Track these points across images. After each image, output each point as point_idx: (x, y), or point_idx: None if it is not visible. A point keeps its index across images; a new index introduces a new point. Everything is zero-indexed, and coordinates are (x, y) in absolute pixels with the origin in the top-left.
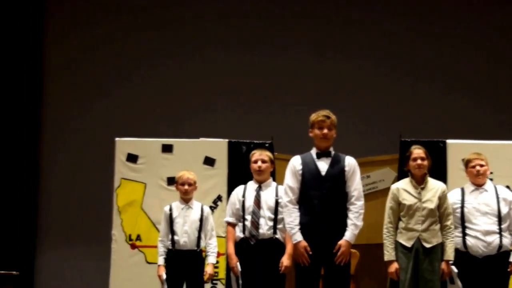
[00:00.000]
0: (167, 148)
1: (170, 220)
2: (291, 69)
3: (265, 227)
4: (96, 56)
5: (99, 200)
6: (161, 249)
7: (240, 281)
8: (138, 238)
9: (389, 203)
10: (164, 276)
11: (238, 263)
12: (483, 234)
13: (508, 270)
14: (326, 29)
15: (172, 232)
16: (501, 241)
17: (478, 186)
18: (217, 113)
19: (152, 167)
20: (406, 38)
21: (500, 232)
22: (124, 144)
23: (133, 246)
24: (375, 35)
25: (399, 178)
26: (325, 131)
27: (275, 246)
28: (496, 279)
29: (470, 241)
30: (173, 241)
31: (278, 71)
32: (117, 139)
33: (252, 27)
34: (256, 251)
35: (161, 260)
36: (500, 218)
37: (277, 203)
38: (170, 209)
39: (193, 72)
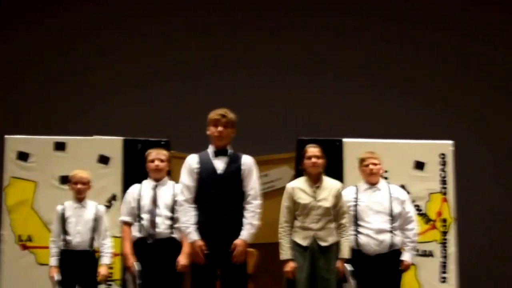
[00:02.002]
0: (59, 146)
1: (63, 220)
2: (189, 66)
3: (162, 226)
4: None
5: None
6: (54, 250)
7: (139, 281)
8: (29, 238)
9: (284, 202)
10: (57, 278)
11: (135, 263)
12: (375, 232)
13: (400, 268)
14: (223, 28)
15: (65, 232)
16: (392, 239)
17: (372, 184)
18: (112, 110)
19: (44, 165)
20: (302, 36)
21: (392, 231)
22: (14, 142)
23: (24, 247)
24: (273, 33)
25: (296, 177)
26: (220, 129)
27: (173, 245)
28: (388, 277)
29: (362, 239)
30: (66, 242)
31: (176, 67)
32: (6, 136)
33: (147, 21)
34: (153, 251)
35: (53, 261)
36: (392, 217)
37: (174, 202)
38: (63, 209)
39: (89, 68)
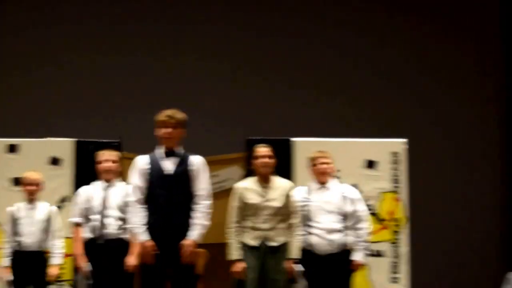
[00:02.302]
0: (12, 148)
1: (15, 221)
2: (138, 68)
3: (112, 226)
4: None
5: None
6: (6, 251)
7: (89, 282)
8: None
9: (234, 202)
10: (9, 278)
11: (86, 264)
12: (326, 232)
13: (351, 268)
14: (169, 29)
15: (17, 233)
16: (343, 239)
17: (323, 184)
18: (64, 112)
19: None
20: (251, 36)
21: (343, 231)
22: None
23: None
24: (219, 33)
25: (246, 177)
26: (168, 130)
27: (123, 246)
28: (339, 277)
29: (313, 239)
30: (18, 242)
31: (125, 70)
32: None
33: (101, 29)
34: (104, 251)
35: (5, 262)
36: (343, 216)
37: (124, 203)
38: (15, 210)
39: (40, 73)
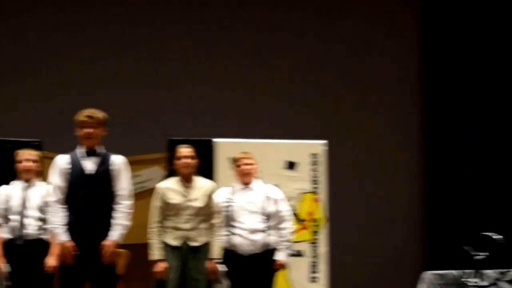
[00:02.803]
0: None
1: None
2: (59, 67)
3: (32, 227)
4: None
5: None
6: None
7: (7, 283)
8: None
9: (155, 202)
10: None
11: (4, 265)
12: (248, 232)
13: (273, 267)
14: (90, 22)
15: None
16: (266, 239)
17: (246, 184)
18: None
19: None
20: (177, 32)
21: (266, 231)
22: None
23: None
24: (143, 29)
25: (168, 177)
26: (87, 130)
27: (42, 246)
28: (262, 277)
29: (236, 239)
30: None
31: (45, 68)
32: None
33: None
34: (23, 252)
35: None
36: (266, 217)
37: (44, 203)
38: None
39: None
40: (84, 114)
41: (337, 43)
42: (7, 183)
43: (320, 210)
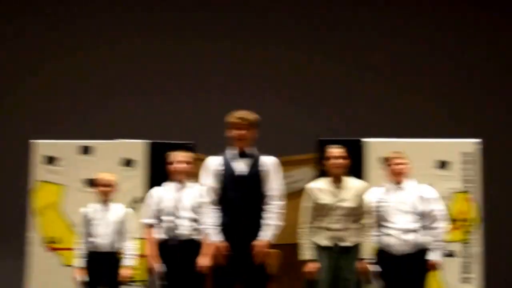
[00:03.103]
0: (85, 150)
1: (88, 222)
2: (212, 69)
3: (184, 227)
4: (7, 58)
5: (15, 203)
6: (79, 252)
7: (162, 283)
8: (56, 240)
9: (305, 202)
10: (82, 279)
11: (159, 265)
12: (401, 232)
13: (426, 268)
14: (249, 25)
15: (90, 234)
16: (419, 239)
17: (398, 184)
18: (138, 113)
19: (71, 169)
20: (322, 34)
21: (419, 231)
22: (40, 146)
23: (50, 249)
24: (288, 36)
25: (318, 177)
26: (239, 132)
27: (195, 247)
28: (415, 277)
29: (388, 239)
30: (90, 243)
31: (199, 71)
32: (32, 141)
33: (165, 27)
34: (176, 252)
35: (78, 262)
36: (418, 216)
37: (196, 204)
38: (88, 211)
39: (114, 72)
40: (235, 115)
41: (495, 38)
42: (161, 184)
43: (472, 210)
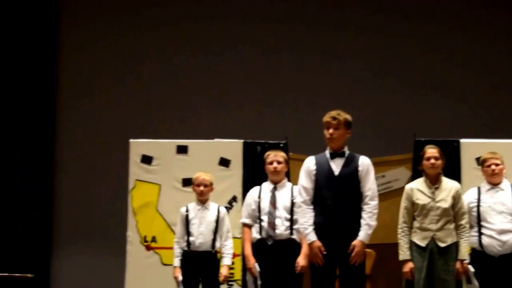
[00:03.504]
0: (182, 149)
1: (186, 221)
2: (305, 69)
3: (281, 227)
4: (108, 58)
5: (114, 202)
6: (177, 251)
7: (259, 282)
8: (154, 239)
9: (403, 203)
10: (180, 278)
11: (256, 264)
12: (498, 233)
13: None
14: (339, 31)
15: (188, 233)
16: None
17: (494, 185)
18: (232, 113)
19: (167, 168)
20: (417, 41)
21: None
22: (138, 146)
23: (149, 248)
24: (387, 38)
25: (413, 177)
26: (331, 131)
27: (292, 246)
28: None
29: (485, 240)
30: (188, 242)
31: (291, 70)
32: (131, 140)
33: (262, 27)
34: (273, 252)
35: (177, 262)
36: None
37: (292, 204)
38: (187, 210)
39: (207, 71)
40: (329, 115)
41: None
42: (257, 184)
43: None
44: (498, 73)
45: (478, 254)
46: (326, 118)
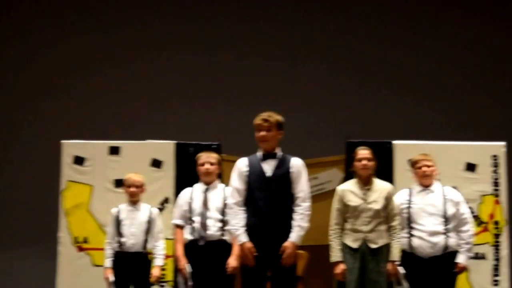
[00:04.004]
0: (114, 150)
1: (118, 222)
2: (240, 70)
3: (213, 228)
4: (42, 59)
5: (45, 203)
6: (109, 251)
7: (190, 283)
8: (85, 240)
9: (335, 204)
10: (112, 279)
11: (187, 265)
12: (428, 234)
13: (455, 270)
14: (275, 32)
15: (120, 234)
16: (446, 241)
17: (425, 187)
18: (164, 114)
19: (99, 169)
20: (353, 40)
21: (445, 233)
22: (70, 147)
23: (80, 249)
24: (322, 38)
25: (346, 179)
26: (263, 133)
27: (223, 247)
28: (443, 280)
29: (415, 241)
30: (120, 243)
31: (226, 72)
32: (63, 141)
33: (198, 28)
34: (204, 253)
35: (108, 263)
36: (446, 219)
37: (224, 205)
38: (118, 211)
39: (140, 73)
40: (260, 117)
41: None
42: (189, 185)
43: (501, 212)
44: (435, 73)
45: (408, 256)
46: (257, 120)
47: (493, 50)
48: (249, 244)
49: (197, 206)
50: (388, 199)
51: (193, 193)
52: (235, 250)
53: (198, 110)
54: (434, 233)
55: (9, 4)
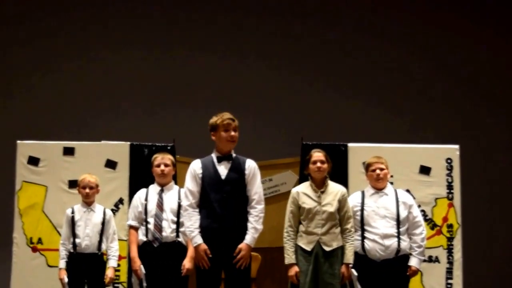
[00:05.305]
0: (68, 151)
1: (72, 223)
2: (193, 72)
3: (168, 230)
4: None
5: (0, 203)
6: (63, 252)
7: (145, 284)
8: (40, 241)
9: (289, 206)
10: (66, 280)
11: (141, 266)
12: (381, 237)
13: (407, 273)
14: (228, 33)
15: (74, 235)
16: (399, 244)
17: (378, 189)
18: (120, 115)
19: (54, 170)
20: (307, 43)
21: (398, 236)
22: (25, 147)
23: (34, 249)
24: (276, 39)
25: (300, 181)
26: (233, 133)
27: (178, 249)
28: (395, 283)
29: (368, 244)
30: (74, 244)
31: (180, 73)
32: (18, 142)
33: (154, 29)
34: (159, 254)
35: (62, 264)
36: (399, 222)
37: (179, 206)
38: (72, 212)
39: (95, 74)
40: (226, 116)
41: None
42: (144, 186)
43: (454, 215)
44: (390, 76)
45: (361, 258)
46: (224, 120)
47: (447, 54)
48: (204, 246)
49: (152, 207)
50: (342, 202)
51: (148, 195)
52: (190, 252)
53: (152, 111)
54: (386, 236)
55: None
